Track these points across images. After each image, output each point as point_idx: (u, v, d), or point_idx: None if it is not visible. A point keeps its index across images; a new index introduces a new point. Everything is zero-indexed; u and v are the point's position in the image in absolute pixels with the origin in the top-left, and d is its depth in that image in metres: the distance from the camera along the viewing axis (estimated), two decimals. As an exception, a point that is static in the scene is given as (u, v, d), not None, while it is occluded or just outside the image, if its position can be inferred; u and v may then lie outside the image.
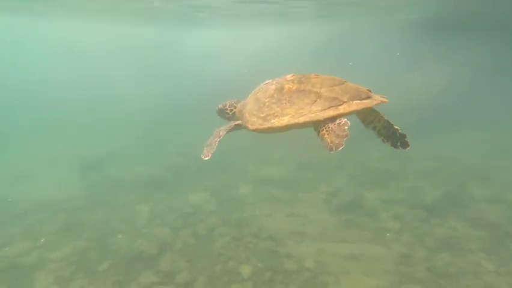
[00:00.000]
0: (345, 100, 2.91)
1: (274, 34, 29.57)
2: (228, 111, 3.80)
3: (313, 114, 2.89)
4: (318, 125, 2.92)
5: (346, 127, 2.74)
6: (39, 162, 13.31)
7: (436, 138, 13.46)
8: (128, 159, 13.52)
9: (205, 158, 3.35)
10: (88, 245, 7.16)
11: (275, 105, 3.10)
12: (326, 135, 2.81)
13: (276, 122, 3.01)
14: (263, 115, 3.14)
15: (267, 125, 3.06)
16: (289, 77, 3.29)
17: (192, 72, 35.21)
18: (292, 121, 2.94)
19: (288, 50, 32.45)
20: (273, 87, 3.21)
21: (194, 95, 24.73)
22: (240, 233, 7.37)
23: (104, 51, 38.75)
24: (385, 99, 3.02)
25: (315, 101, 2.96)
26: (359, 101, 2.92)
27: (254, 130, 3.20)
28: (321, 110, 2.89)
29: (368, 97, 2.97)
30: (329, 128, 2.83)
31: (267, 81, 3.51)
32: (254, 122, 3.17)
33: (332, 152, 2.69)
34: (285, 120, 2.97)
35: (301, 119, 2.91)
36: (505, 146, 10.36)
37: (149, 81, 33.23)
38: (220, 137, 3.45)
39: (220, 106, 3.84)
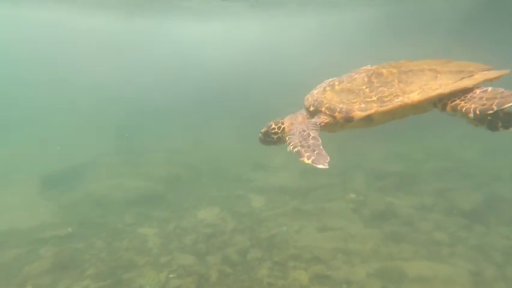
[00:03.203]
0: (474, 70, 2.63)
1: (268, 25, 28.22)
2: (276, 129, 3.15)
3: (450, 85, 2.54)
4: (445, 99, 2.57)
5: (500, 89, 2.41)
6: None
7: (426, 133, 13.45)
8: (105, 171, 11.70)
9: (324, 166, 2.47)
10: (100, 286, 5.77)
11: (384, 87, 2.68)
12: (468, 105, 2.42)
13: (405, 99, 2.57)
14: (373, 98, 2.68)
15: (391, 105, 2.58)
16: (369, 67, 2.93)
17: (177, 68, 32.41)
18: (428, 94, 2.53)
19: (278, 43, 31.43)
20: (363, 75, 2.79)
21: (184, 94, 22.77)
22: (279, 256, 6.48)
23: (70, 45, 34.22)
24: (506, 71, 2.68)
25: (436, 76, 2.64)
26: (491, 72, 2.63)
27: (365, 117, 2.68)
28: (455, 82, 2.55)
29: (490, 68, 2.70)
30: (467, 97, 2.48)
31: (328, 79, 3.06)
32: (363, 107, 2.66)
33: (491, 112, 2.29)
34: (415, 96, 2.55)
35: (437, 91, 2.53)
36: (498, 144, 10.66)
37: (121, 76, 29.90)
38: (316, 139, 2.71)
39: (263, 130, 3.21)
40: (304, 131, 2.81)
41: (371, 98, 2.69)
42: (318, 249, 6.61)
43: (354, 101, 2.73)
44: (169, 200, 9.69)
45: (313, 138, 2.74)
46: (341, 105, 2.77)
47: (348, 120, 2.74)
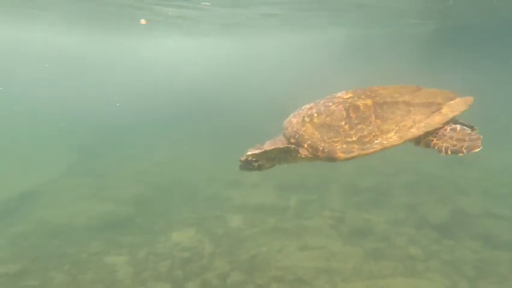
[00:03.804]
0: (442, 102, 2.82)
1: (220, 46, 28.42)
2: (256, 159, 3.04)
3: (423, 124, 2.72)
4: (423, 137, 2.74)
5: (467, 131, 2.67)
6: None
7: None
8: (65, 195, 10.72)
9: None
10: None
11: (362, 125, 2.76)
12: (441, 143, 2.67)
13: (385, 142, 2.68)
14: (354, 139, 2.74)
15: (371, 149, 2.67)
16: (344, 94, 2.99)
17: (146, 85, 31.23)
18: (405, 137, 2.68)
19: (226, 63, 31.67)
20: (340, 108, 2.81)
21: (152, 112, 21.82)
22: (261, 279, 6.32)
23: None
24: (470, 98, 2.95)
25: (409, 110, 2.78)
26: (457, 101, 2.85)
27: (346, 159, 2.73)
28: (427, 118, 2.74)
29: (456, 97, 2.91)
30: (439, 134, 2.72)
31: (305, 106, 3.07)
32: (345, 149, 2.72)
33: (461, 155, 2.57)
34: (394, 139, 2.69)
35: (413, 132, 2.68)
36: (456, 157, 11.35)
37: (87, 93, 28.27)
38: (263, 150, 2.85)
39: (243, 158, 3.07)
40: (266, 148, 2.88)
41: (351, 137, 2.75)
42: (300, 270, 6.53)
43: (336, 139, 2.78)
44: (140, 224, 9.19)
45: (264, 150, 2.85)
46: (323, 145, 2.79)
47: (331, 160, 2.78)
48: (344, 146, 2.74)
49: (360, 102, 2.81)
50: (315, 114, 2.88)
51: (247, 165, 3.06)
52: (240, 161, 3.08)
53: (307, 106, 3.05)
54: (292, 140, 2.95)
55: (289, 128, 3.01)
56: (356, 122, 2.76)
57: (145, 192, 10.92)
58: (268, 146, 3.11)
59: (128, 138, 17.68)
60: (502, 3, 12.68)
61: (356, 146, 2.71)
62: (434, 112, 2.78)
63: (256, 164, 3.05)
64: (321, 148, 2.78)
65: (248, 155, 3.03)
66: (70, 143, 16.13)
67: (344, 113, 2.79)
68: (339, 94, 3.02)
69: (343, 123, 2.77)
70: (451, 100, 2.90)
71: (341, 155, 2.71)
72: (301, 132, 2.90)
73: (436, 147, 2.68)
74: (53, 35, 22.99)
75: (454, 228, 7.81)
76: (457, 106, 2.84)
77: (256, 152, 2.97)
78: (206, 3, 13.09)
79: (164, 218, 9.46)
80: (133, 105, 24.87)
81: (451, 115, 2.77)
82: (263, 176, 11.55)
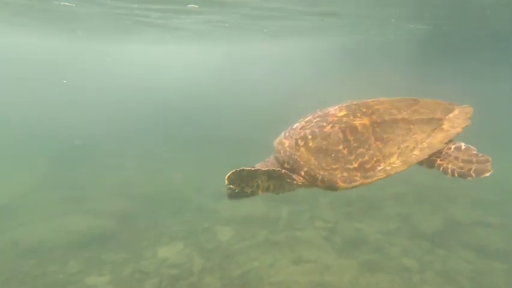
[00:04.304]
0: (442, 117, 2.72)
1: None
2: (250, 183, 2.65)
3: (425, 145, 2.58)
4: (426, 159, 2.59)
5: (474, 151, 2.58)
6: None
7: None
8: (40, 211, 9.99)
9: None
10: None
11: (362, 149, 2.56)
12: (446, 164, 2.55)
13: (388, 169, 2.52)
14: (355, 165, 2.54)
15: (375, 177, 2.51)
16: (338, 111, 2.71)
17: (127, 92, 30.18)
18: (409, 161, 2.52)
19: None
20: (336, 129, 2.59)
21: (134, 120, 21.02)
22: (256, 297, 6.04)
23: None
24: (469, 108, 2.90)
25: (410, 128, 2.62)
26: (456, 113, 2.79)
27: (348, 189, 2.56)
28: (429, 137, 2.61)
29: (454, 107, 2.85)
30: (442, 154, 2.60)
31: (295, 125, 2.86)
32: (347, 178, 2.51)
33: (470, 179, 2.47)
34: (397, 164, 2.52)
35: (417, 155, 2.53)
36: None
37: (62, 100, 27.05)
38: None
39: (232, 186, 2.64)
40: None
41: (351, 164, 2.55)
42: (295, 285, 6.30)
43: (335, 167, 2.56)
44: (123, 239, 8.70)
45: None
46: (322, 173, 2.56)
47: (331, 190, 2.58)
48: (345, 174, 2.54)
49: (357, 122, 2.61)
50: (310, 137, 2.64)
51: (238, 192, 2.65)
52: (229, 189, 2.64)
53: (299, 125, 2.82)
54: (286, 166, 2.71)
55: (282, 151, 2.76)
56: (355, 145, 2.57)
57: (128, 205, 10.43)
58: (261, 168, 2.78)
59: (108, 147, 17.04)
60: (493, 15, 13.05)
61: (358, 174, 2.53)
62: (435, 129, 2.66)
63: (250, 191, 2.68)
64: (320, 177, 2.57)
65: (235, 178, 2.58)
66: (44, 153, 15.36)
67: (341, 135, 2.58)
68: (332, 111, 2.79)
69: (341, 147, 2.57)
70: (450, 113, 2.81)
71: (342, 184, 2.52)
72: (295, 157, 2.66)
73: (441, 169, 2.56)
74: (25, 37, 22.06)
75: (446, 238, 7.80)
76: (458, 121, 2.74)
77: (250, 170, 2.59)
78: (193, 5, 12.78)
79: (149, 232, 9.02)
80: (114, 113, 24.16)
81: (453, 132, 2.66)
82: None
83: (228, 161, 14.83)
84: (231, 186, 2.68)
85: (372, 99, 2.88)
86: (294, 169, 2.66)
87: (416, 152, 2.55)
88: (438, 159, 2.59)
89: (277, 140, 2.92)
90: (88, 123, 20.87)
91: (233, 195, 2.67)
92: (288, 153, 2.71)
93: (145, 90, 31.01)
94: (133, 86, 31.79)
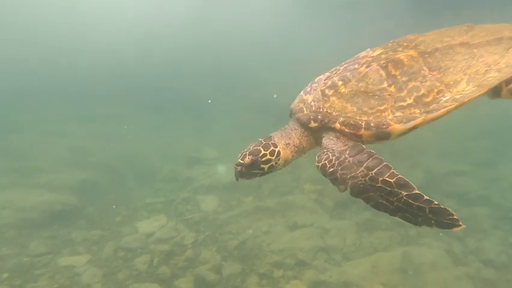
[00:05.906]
0: (510, 35, 2.22)
1: None
2: (268, 155, 2.26)
3: (503, 65, 2.09)
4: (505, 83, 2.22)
5: None
6: None
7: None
8: None
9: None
10: None
11: (415, 82, 2.08)
12: None
13: (459, 97, 2.01)
14: (410, 101, 2.06)
15: (442, 108, 2.01)
16: (371, 52, 2.34)
17: (74, 44, 25.11)
18: (486, 83, 2.02)
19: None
20: (374, 67, 2.13)
21: (81, 77, 17.73)
22: (261, 267, 5.68)
23: None
24: None
25: (473, 53, 2.14)
26: None
27: (405, 131, 2.08)
28: (503, 57, 2.10)
29: None
30: None
31: (319, 77, 2.40)
32: (401, 117, 2.02)
33: None
34: (470, 89, 2.02)
35: (495, 77, 2.04)
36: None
37: None
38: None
39: (246, 160, 2.23)
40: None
41: (405, 100, 2.07)
42: (298, 251, 6.07)
43: (382, 108, 2.07)
44: (91, 215, 7.63)
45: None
46: (365, 118, 2.08)
47: (382, 137, 2.09)
48: (398, 113, 2.04)
49: (401, 55, 2.14)
50: (340, 83, 2.17)
51: (253, 168, 2.24)
52: (240, 165, 2.22)
53: (322, 77, 2.36)
54: (313, 125, 2.22)
55: (305, 108, 2.27)
56: (404, 79, 2.08)
57: (88, 176, 9.12)
58: (279, 139, 2.35)
59: (49, 109, 14.75)
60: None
61: (417, 111, 2.03)
62: (509, 49, 2.16)
63: (267, 166, 2.26)
64: (363, 123, 2.06)
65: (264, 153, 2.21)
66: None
67: (383, 72, 2.11)
68: (362, 54, 2.37)
69: (385, 85, 2.08)
70: None
71: (397, 126, 2.01)
72: (325, 110, 2.18)
73: None
74: None
75: (428, 190, 8.11)
76: None
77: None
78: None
79: (120, 205, 8.05)
80: (63, 69, 20.81)
81: None
82: (223, 150, 10.66)
83: (196, 126, 13.85)
84: (243, 162, 2.20)
85: (410, 35, 2.42)
86: (325, 124, 2.17)
87: (492, 74, 2.08)
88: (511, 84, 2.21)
89: (295, 101, 2.42)
90: (24, 80, 17.70)
91: (243, 174, 2.24)
92: (314, 108, 2.23)
93: (100, 45, 26.44)
94: (86, 40, 26.72)
